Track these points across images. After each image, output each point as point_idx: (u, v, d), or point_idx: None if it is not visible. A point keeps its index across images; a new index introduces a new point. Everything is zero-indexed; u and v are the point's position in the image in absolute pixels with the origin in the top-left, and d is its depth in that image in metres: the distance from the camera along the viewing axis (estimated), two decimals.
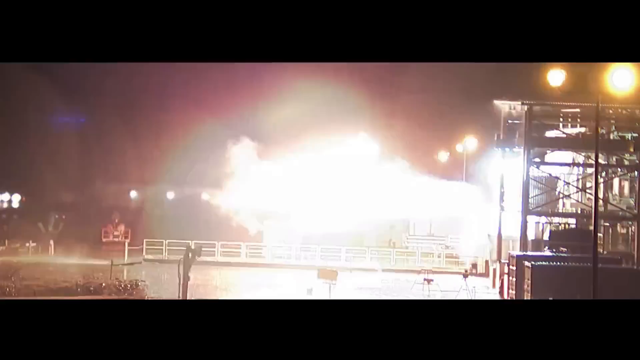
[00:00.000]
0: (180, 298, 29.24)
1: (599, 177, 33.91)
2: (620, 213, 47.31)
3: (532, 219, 47.61)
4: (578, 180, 49.66)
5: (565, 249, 42.17)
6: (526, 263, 37.80)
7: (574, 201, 49.48)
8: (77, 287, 33.73)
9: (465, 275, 45.10)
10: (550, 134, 49.53)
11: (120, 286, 34.39)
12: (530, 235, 48.25)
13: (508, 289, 40.22)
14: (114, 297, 32.49)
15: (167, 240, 56.46)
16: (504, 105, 46.55)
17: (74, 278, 35.58)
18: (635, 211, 45.64)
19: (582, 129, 48.53)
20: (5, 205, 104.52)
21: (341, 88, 63.58)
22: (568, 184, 49.27)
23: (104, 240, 62.05)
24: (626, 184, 49.35)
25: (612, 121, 46.65)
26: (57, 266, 45.62)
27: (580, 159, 49.40)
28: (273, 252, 58.21)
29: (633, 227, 46.35)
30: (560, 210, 49.70)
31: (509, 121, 46.57)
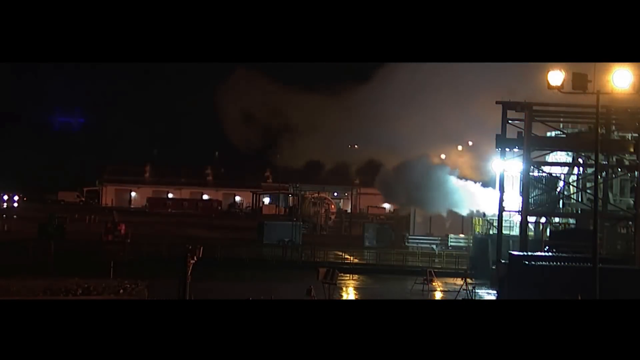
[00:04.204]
0: (181, 298, 29.20)
1: (598, 177, 33.91)
2: (621, 213, 47.29)
3: (532, 219, 47.64)
4: (578, 180, 49.61)
5: (565, 249, 42.12)
6: (526, 263, 37.79)
7: (574, 201, 49.44)
8: (77, 287, 33.75)
9: (464, 276, 45.10)
10: (550, 134, 49.54)
11: (120, 286, 34.43)
12: (530, 235, 48.27)
13: (508, 289, 40.16)
14: (113, 297, 32.50)
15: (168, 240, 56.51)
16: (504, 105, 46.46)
17: (74, 279, 35.60)
18: (635, 211, 45.62)
19: (582, 129, 48.51)
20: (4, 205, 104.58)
21: None
22: (568, 184, 49.23)
23: (104, 239, 62.03)
24: (626, 184, 49.31)
25: (612, 121, 46.61)
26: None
27: (580, 159, 49.35)
28: None
29: (633, 227, 46.30)
30: (560, 211, 49.68)
31: (509, 121, 46.52)
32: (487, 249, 52.99)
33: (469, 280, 44.22)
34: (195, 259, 29.83)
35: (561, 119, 49.47)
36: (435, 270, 49.70)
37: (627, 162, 46.30)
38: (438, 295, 43.44)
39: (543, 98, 42.98)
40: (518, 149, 46.83)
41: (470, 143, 67.72)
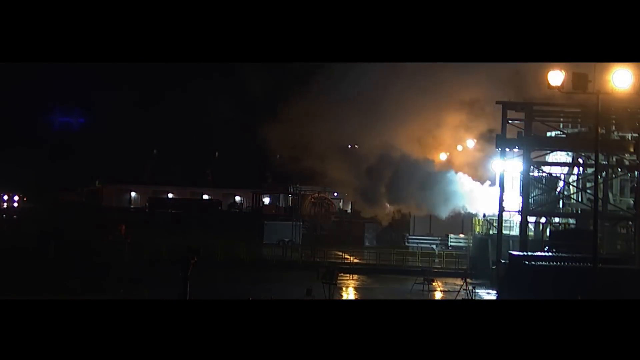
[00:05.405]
0: (181, 298, 29.20)
1: (599, 177, 33.92)
2: (621, 213, 47.29)
3: (532, 219, 47.65)
4: (578, 180, 49.60)
5: (565, 249, 42.12)
6: (526, 263, 37.80)
7: (574, 201, 49.43)
8: (77, 287, 33.77)
9: (464, 276, 45.08)
10: (550, 134, 49.53)
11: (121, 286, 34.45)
12: (530, 235, 48.27)
13: (508, 289, 40.19)
14: (113, 297, 32.50)
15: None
16: (504, 105, 46.43)
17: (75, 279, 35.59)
18: (635, 211, 45.63)
19: (582, 129, 48.51)
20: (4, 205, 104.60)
21: None
22: (568, 184, 49.22)
23: (104, 240, 61.88)
24: (626, 184, 49.30)
25: (612, 121, 46.59)
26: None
27: (580, 159, 49.33)
28: None
29: (633, 227, 46.29)
30: (560, 211, 49.66)
31: (509, 121, 46.51)
32: (487, 249, 52.96)
33: (469, 280, 44.20)
34: (195, 259, 29.83)
35: (561, 119, 49.47)
36: (435, 270, 49.68)
37: (627, 162, 46.27)
38: (438, 295, 43.43)
39: (542, 98, 43.01)
40: (518, 149, 46.84)
41: (471, 143, 67.60)
